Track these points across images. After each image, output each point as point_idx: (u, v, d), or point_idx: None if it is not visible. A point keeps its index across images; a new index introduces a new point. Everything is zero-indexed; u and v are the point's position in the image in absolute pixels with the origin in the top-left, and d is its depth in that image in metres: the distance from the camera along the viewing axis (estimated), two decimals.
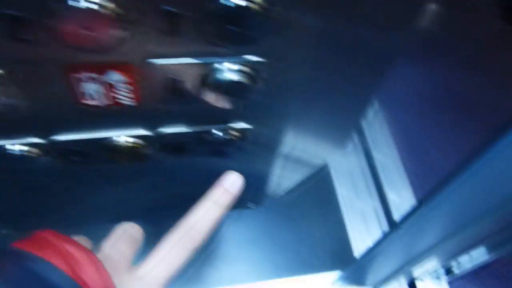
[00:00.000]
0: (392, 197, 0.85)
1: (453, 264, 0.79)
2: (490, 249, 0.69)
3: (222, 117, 0.28)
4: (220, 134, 0.29)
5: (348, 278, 0.77)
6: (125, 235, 0.25)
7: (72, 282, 0.20)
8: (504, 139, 0.39)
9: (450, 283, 0.84)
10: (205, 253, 0.80)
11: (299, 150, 0.36)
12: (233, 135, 0.30)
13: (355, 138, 0.90)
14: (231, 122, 0.29)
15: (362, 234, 0.85)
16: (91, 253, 0.22)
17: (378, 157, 0.86)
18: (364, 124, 0.87)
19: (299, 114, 0.31)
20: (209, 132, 0.29)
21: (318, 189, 0.87)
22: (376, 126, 0.87)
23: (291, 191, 0.85)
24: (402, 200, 0.85)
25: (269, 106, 0.27)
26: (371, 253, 0.65)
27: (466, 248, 0.69)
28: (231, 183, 0.28)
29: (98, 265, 0.21)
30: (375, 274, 0.75)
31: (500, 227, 0.62)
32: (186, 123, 0.28)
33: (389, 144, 0.87)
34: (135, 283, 0.22)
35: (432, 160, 0.78)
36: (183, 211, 0.27)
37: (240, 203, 0.45)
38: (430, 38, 0.73)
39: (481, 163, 0.43)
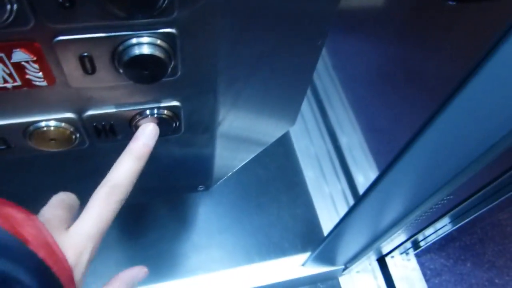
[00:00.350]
0: (359, 178, 0.86)
1: (420, 237, 0.81)
2: (453, 219, 0.71)
3: (150, 96, 0.28)
4: (149, 113, 0.28)
5: (318, 258, 0.78)
6: (61, 202, 0.27)
7: (13, 237, 0.20)
8: (448, 112, 0.40)
9: (418, 257, 0.86)
10: (176, 244, 0.80)
11: (241, 128, 0.36)
12: (165, 115, 0.29)
13: (320, 120, 0.91)
14: (160, 101, 0.28)
15: (332, 216, 0.86)
16: (31, 214, 0.23)
17: (343, 139, 0.87)
18: (328, 106, 0.88)
19: (232, 89, 0.30)
20: (140, 113, 0.29)
21: (285, 174, 0.88)
22: (339, 108, 0.88)
23: (254, 177, 0.85)
24: (369, 181, 0.86)
25: (193, 81, 0.27)
26: (339, 227, 0.66)
27: (430, 220, 0.70)
28: (147, 136, 0.29)
29: (38, 224, 0.23)
30: (345, 252, 0.76)
31: (458, 198, 0.63)
32: (113, 103, 0.28)
33: (353, 125, 0.88)
34: (66, 239, 0.24)
35: (395, 138, 0.79)
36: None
37: (190, 188, 0.45)
38: (388, 18, 0.73)
39: (427, 136, 0.44)
